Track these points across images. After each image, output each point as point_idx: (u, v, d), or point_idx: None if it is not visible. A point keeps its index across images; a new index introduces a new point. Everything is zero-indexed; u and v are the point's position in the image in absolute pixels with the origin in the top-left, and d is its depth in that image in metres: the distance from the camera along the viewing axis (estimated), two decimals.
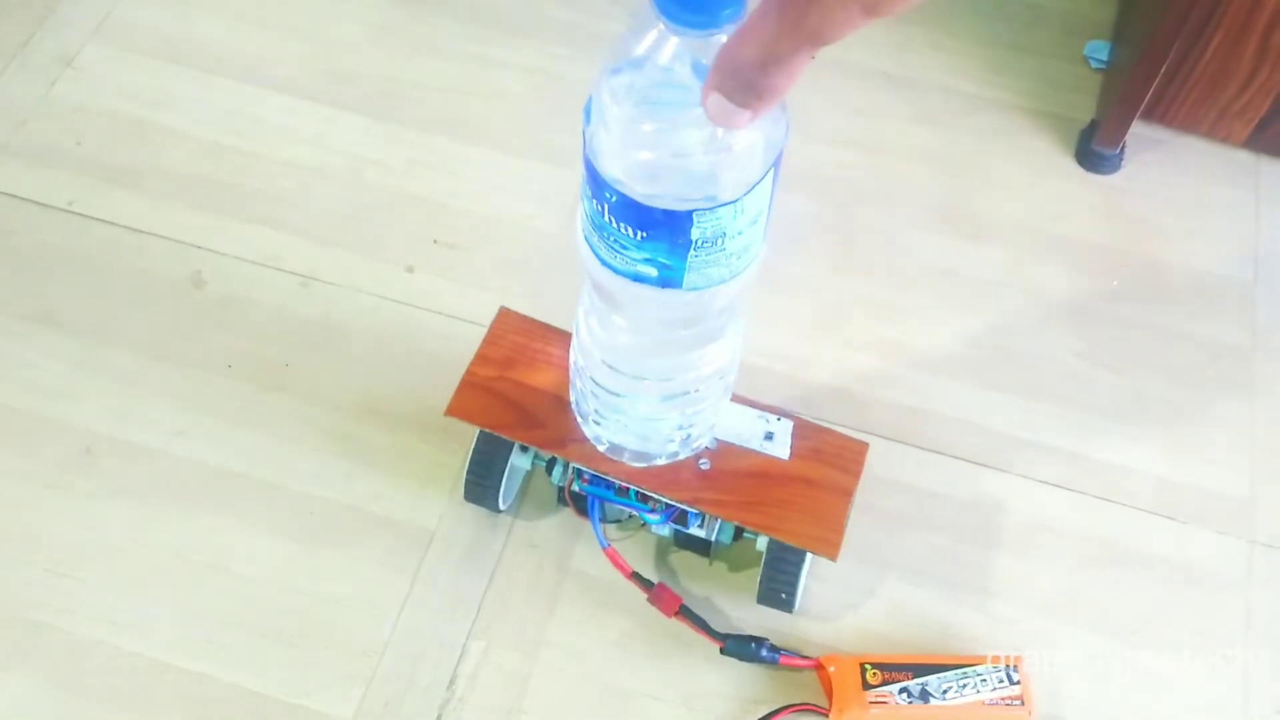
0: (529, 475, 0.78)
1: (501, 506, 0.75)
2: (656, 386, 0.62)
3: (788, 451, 0.69)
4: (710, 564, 0.75)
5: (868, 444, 0.71)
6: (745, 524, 0.68)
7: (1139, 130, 0.94)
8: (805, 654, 0.71)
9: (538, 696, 0.70)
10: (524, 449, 0.72)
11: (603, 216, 0.50)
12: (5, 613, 0.71)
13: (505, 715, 0.70)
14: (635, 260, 0.51)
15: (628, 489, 0.69)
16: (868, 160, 0.95)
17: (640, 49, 0.46)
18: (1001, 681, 0.69)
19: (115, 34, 0.98)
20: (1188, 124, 0.96)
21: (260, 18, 1.00)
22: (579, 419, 0.69)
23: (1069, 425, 0.82)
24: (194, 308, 0.84)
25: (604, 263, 0.53)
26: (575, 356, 0.65)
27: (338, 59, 0.98)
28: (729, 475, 0.69)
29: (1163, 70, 0.88)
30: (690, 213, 0.48)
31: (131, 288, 0.84)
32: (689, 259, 0.51)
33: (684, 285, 0.52)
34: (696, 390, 0.63)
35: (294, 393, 0.81)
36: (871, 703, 0.68)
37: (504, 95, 0.97)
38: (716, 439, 0.69)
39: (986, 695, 0.69)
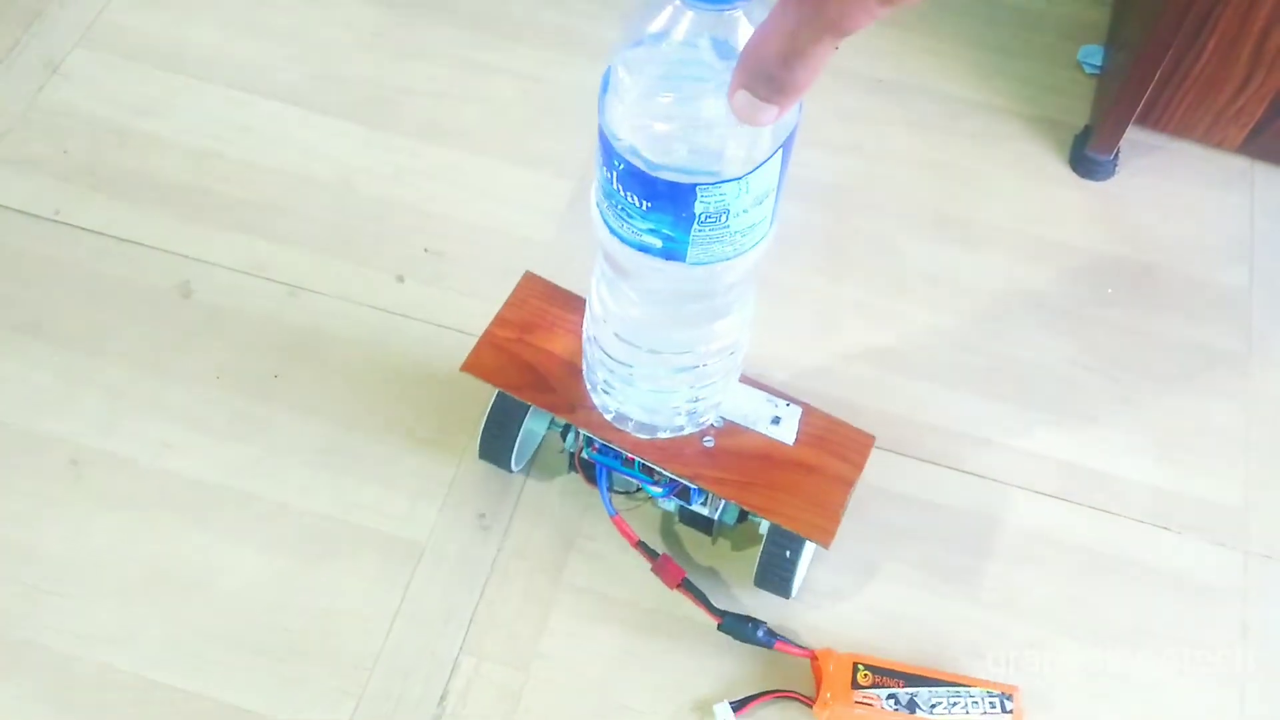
0: (532, 464, 0.77)
1: (514, 467, 0.76)
2: (664, 359, 0.63)
3: (793, 437, 0.70)
4: (714, 543, 0.75)
5: (874, 437, 0.71)
6: (742, 504, 0.68)
7: (1133, 135, 0.93)
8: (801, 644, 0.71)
9: (530, 711, 0.70)
10: (540, 414, 0.73)
11: (611, 184, 0.51)
12: None
13: None
14: (641, 230, 0.52)
15: (633, 460, 0.70)
16: (861, 166, 0.95)
17: (657, 23, 0.47)
18: (994, 707, 0.68)
19: (103, 39, 0.97)
20: (1182, 129, 0.95)
21: (249, 23, 0.99)
22: (589, 387, 0.69)
23: (1064, 434, 0.82)
24: (182, 318, 0.83)
25: (612, 230, 0.54)
26: (587, 325, 0.66)
27: (326, 64, 0.97)
28: (732, 454, 0.69)
29: (1157, 76, 0.88)
30: (694, 186, 0.49)
31: (119, 298, 0.84)
32: (692, 233, 0.51)
33: (687, 259, 0.53)
34: (705, 365, 0.64)
35: (283, 404, 0.80)
36: (857, 702, 0.68)
37: (494, 101, 0.96)
38: (723, 418, 0.70)
39: (975, 718, 0.68)
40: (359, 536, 0.75)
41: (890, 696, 0.68)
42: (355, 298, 0.85)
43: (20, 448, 0.77)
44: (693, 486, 0.69)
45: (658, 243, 0.52)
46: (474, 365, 0.71)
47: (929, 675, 0.70)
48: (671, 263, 0.53)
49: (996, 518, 0.78)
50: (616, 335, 0.62)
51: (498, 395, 0.73)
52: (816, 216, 0.91)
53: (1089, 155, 0.95)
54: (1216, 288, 0.90)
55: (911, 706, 0.68)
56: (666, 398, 0.66)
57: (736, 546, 0.76)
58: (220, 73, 0.96)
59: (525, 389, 0.70)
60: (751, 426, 0.70)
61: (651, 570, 0.71)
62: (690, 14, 0.46)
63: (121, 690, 0.69)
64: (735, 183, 0.49)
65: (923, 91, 1.00)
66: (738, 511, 0.72)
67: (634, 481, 0.72)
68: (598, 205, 0.54)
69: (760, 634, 0.70)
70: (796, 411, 0.71)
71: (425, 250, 0.87)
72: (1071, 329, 0.87)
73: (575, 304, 0.72)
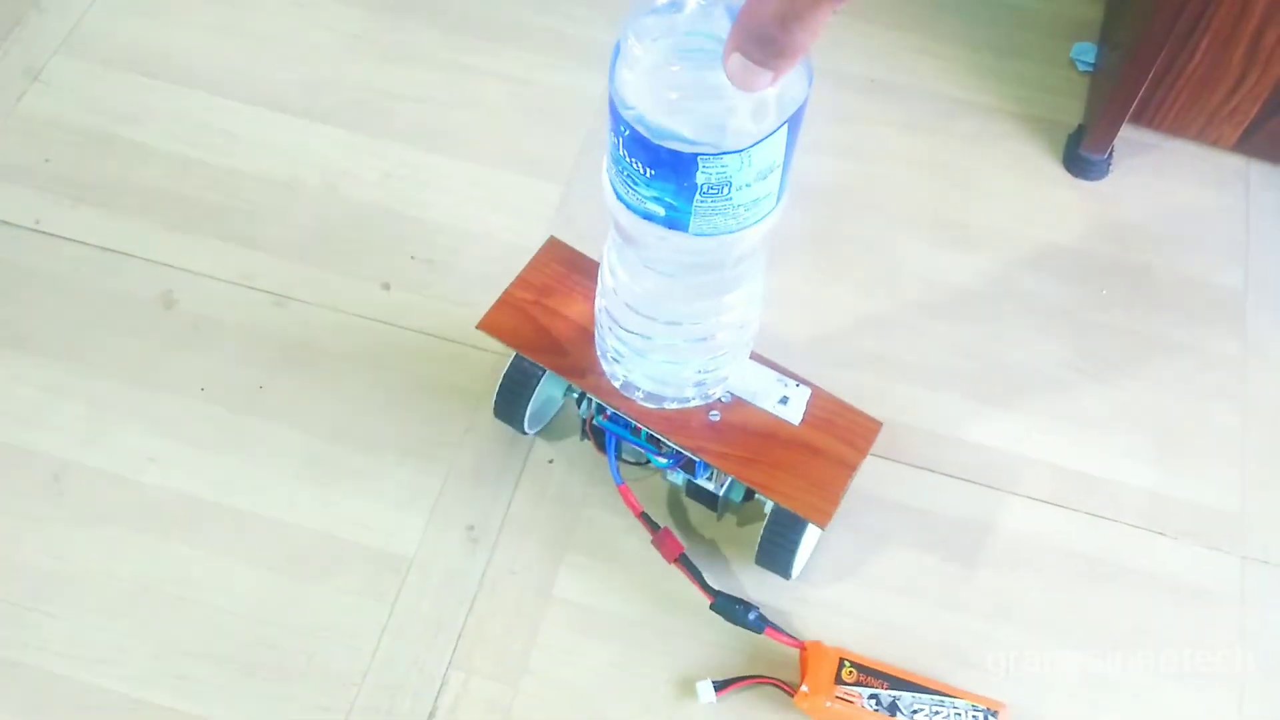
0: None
1: (528, 430, 0.76)
2: (672, 330, 0.63)
3: (800, 417, 0.69)
4: (719, 519, 0.75)
5: (881, 423, 0.70)
6: (743, 479, 0.68)
7: (1127, 134, 0.92)
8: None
9: None
10: (557, 379, 0.73)
11: (618, 150, 0.52)
12: None
13: None
14: (645, 198, 0.52)
15: (640, 430, 0.70)
16: (854, 168, 0.94)
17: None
18: None
19: (84, 46, 0.96)
20: (1176, 128, 0.94)
21: (231, 27, 0.98)
22: (599, 354, 0.69)
23: (1059, 439, 0.81)
24: (165, 329, 0.82)
25: (619, 196, 0.54)
26: (599, 294, 0.66)
27: (311, 69, 0.96)
28: (737, 430, 0.69)
29: (1150, 75, 0.87)
30: (695, 156, 0.49)
31: (101, 309, 0.83)
32: (695, 204, 0.51)
33: (690, 229, 0.53)
34: (714, 337, 0.64)
35: (268, 416, 0.79)
36: (837, 697, 0.68)
37: (481, 105, 0.95)
38: (732, 393, 0.70)
39: None
40: (346, 550, 0.74)
41: (872, 696, 0.68)
42: (341, 307, 0.84)
43: (3, 463, 0.76)
44: (697, 460, 0.69)
45: (661, 211, 0.52)
46: (490, 324, 0.71)
47: (915, 681, 0.69)
48: (674, 232, 0.53)
49: (991, 523, 0.78)
50: (627, 305, 0.63)
51: (515, 356, 0.73)
52: (810, 218, 0.90)
53: (1083, 155, 0.94)
54: (1212, 289, 0.89)
55: (892, 709, 0.68)
56: (676, 369, 0.66)
57: (741, 523, 0.76)
58: (203, 78, 0.95)
59: (538, 351, 0.71)
60: (759, 404, 0.70)
61: (651, 543, 0.71)
62: None
63: (107, 710, 0.68)
64: (737, 155, 0.49)
65: (917, 92, 0.99)
66: (744, 489, 0.72)
67: (644, 452, 0.72)
68: (607, 171, 0.55)
69: (751, 617, 0.70)
70: (805, 393, 0.70)
71: (412, 257, 0.86)
72: (1066, 331, 0.86)
73: (595, 271, 0.72)
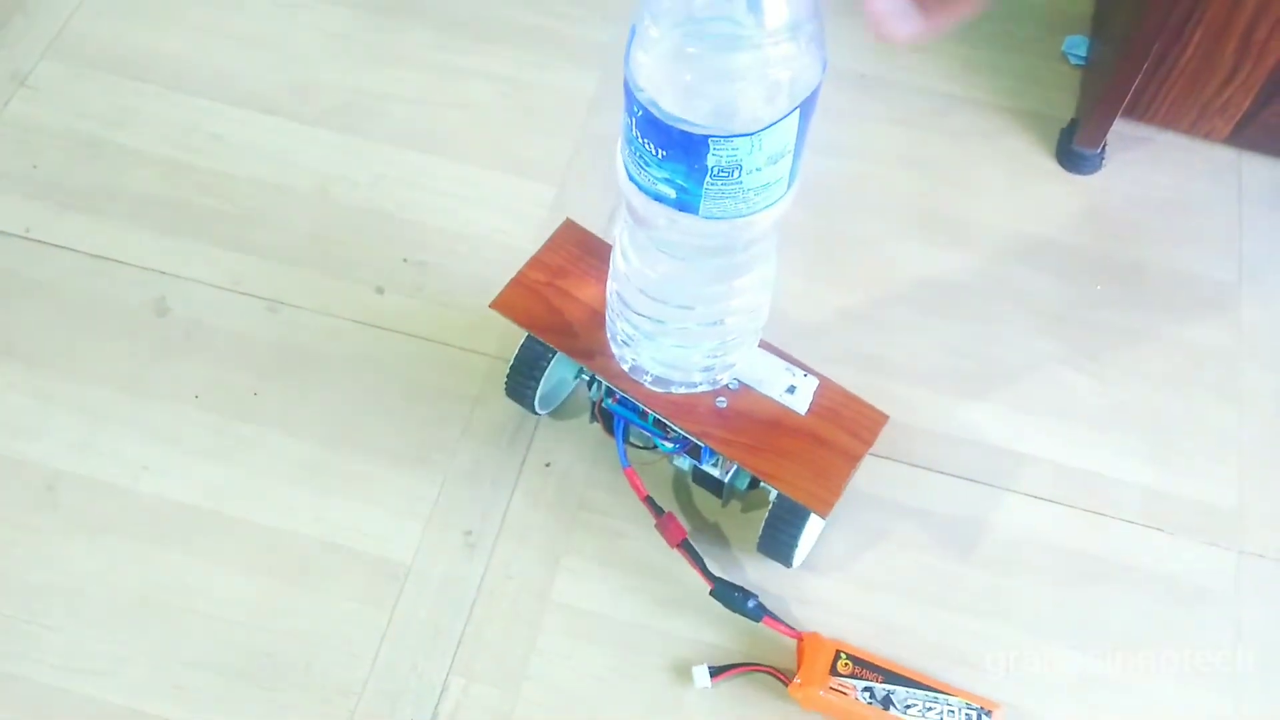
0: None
1: (539, 411, 0.77)
2: (684, 314, 0.63)
3: (806, 407, 0.70)
4: (723, 505, 0.76)
5: (887, 416, 0.70)
6: (746, 466, 0.68)
7: (1119, 128, 0.92)
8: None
9: None
10: (568, 361, 0.74)
11: (631, 130, 0.52)
12: None
13: None
14: (656, 179, 0.53)
15: (648, 414, 0.70)
16: (845, 166, 0.94)
17: None
18: (969, 719, 0.68)
19: (71, 49, 0.95)
20: (1169, 121, 0.94)
21: (218, 29, 0.97)
22: (609, 336, 0.70)
23: (1055, 436, 0.81)
24: (158, 336, 0.82)
25: (631, 177, 0.55)
26: (611, 277, 0.67)
27: (300, 71, 0.95)
28: (742, 417, 0.69)
29: (1143, 68, 0.87)
30: (706, 138, 0.49)
31: (93, 316, 0.82)
32: (705, 186, 0.52)
33: (700, 212, 0.53)
34: (723, 322, 0.64)
35: (263, 423, 0.78)
36: (831, 688, 0.68)
37: (472, 105, 0.94)
38: (739, 380, 0.70)
39: None
40: (344, 558, 0.74)
41: (866, 689, 0.68)
42: (335, 311, 0.83)
43: None
44: (703, 445, 0.69)
45: (672, 193, 0.53)
46: (503, 304, 0.72)
47: (910, 676, 0.70)
48: (685, 214, 0.54)
49: (989, 522, 0.78)
50: (639, 289, 0.63)
51: (526, 337, 0.74)
52: (800, 218, 0.89)
53: (1076, 149, 0.94)
54: (1206, 283, 0.89)
55: (886, 703, 0.68)
56: (685, 354, 0.67)
57: (746, 509, 0.76)
58: (191, 81, 0.94)
59: (549, 332, 0.71)
60: (766, 392, 0.70)
61: (655, 527, 0.72)
62: None
63: None
64: (748, 138, 0.50)
65: (907, 87, 0.98)
66: (749, 477, 0.72)
67: (651, 437, 0.73)
68: (621, 152, 0.55)
69: (750, 605, 0.71)
70: (813, 383, 0.71)
71: (405, 260, 0.86)
72: (1061, 329, 0.86)
73: (608, 254, 0.73)
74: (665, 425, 0.70)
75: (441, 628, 0.72)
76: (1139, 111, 0.93)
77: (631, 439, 0.75)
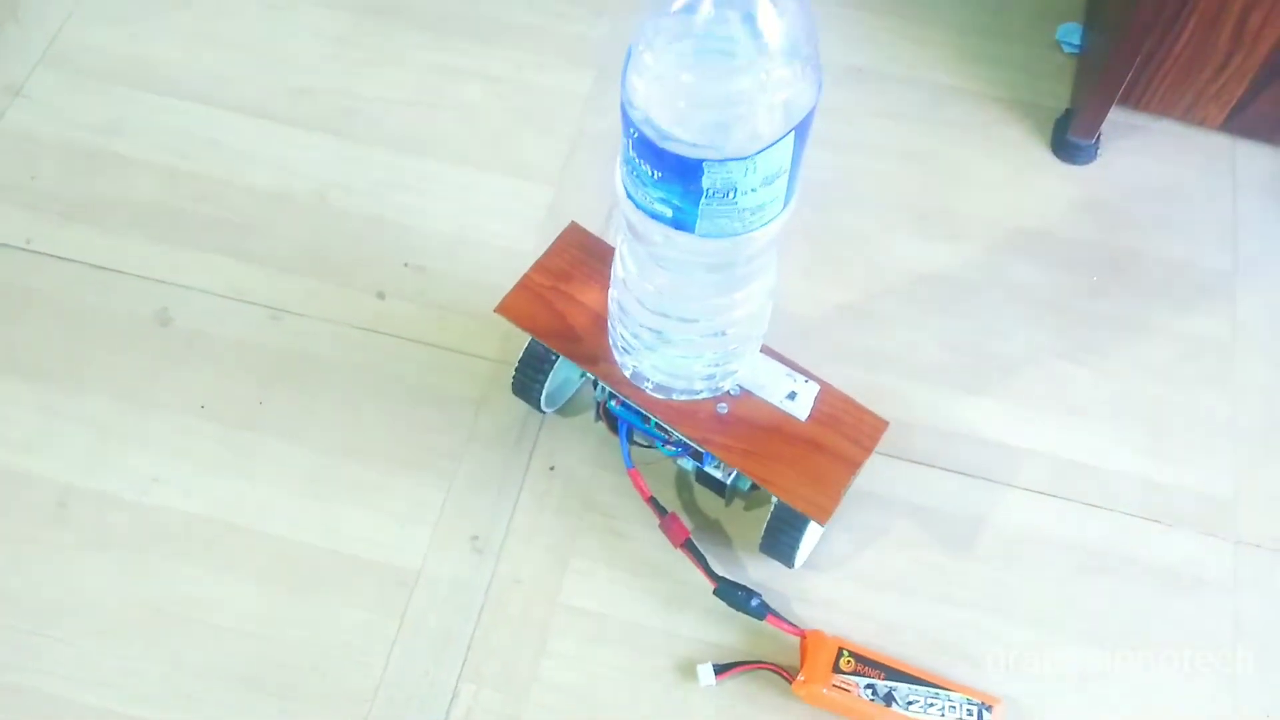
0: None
1: (544, 408, 0.78)
2: (683, 325, 0.64)
3: (807, 413, 0.70)
4: (726, 505, 0.77)
5: (887, 422, 0.71)
6: (745, 471, 0.69)
7: (1114, 116, 0.92)
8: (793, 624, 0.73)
9: None
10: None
11: (628, 150, 0.53)
12: None
13: None
14: (653, 198, 0.54)
15: (649, 417, 0.71)
16: (841, 160, 0.94)
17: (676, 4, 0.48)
18: (970, 714, 0.69)
19: (65, 58, 0.95)
20: (1163, 109, 0.95)
21: (210, 34, 0.97)
22: (611, 342, 0.71)
23: (1052, 429, 0.82)
24: (162, 347, 0.82)
25: (629, 194, 0.56)
26: (612, 283, 0.68)
27: (294, 75, 0.95)
28: (743, 423, 0.70)
29: (1138, 57, 0.87)
30: (700, 162, 0.50)
31: (97, 328, 0.83)
32: (701, 206, 0.53)
33: (696, 230, 0.54)
34: (724, 333, 0.65)
35: (268, 432, 0.79)
36: (834, 685, 0.69)
37: (467, 107, 0.95)
38: (740, 386, 0.71)
39: None
40: (352, 566, 0.75)
41: (869, 686, 0.70)
42: (337, 318, 0.84)
43: (6, 489, 0.76)
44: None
45: (668, 212, 0.54)
46: (507, 308, 0.72)
47: (912, 673, 0.71)
48: (681, 232, 0.54)
49: (988, 517, 0.79)
50: (638, 301, 0.64)
51: (532, 338, 0.74)
52: (797, 212, 0.90)
53: (1071, 140, 0.94)
54: (1201, 272, 0.89)
55: (888, 699, 0.69)
56: (686, 364, 0.67)
57: (749, 508, 0.77)
58: (185, 87, 0.94)
59: (552, 336, 0.72)
60: (767, 398, 0.71)
61: (659, 527, 0.72)
62: None
63: None
64: (742, 161, 0.50)
65: (901, 79, 0.98)
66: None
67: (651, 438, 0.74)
68: (619, 169, 0.56)
69: (753, 604, 0.72)
70: (814, 389, 0.71)
71: (405, 265, 0.86)
72: (1057, 321, 0.87)
73: (612, 257, 0.73)
74: (668, 429, 0.71)
75: (451, 633, 0.73)
76: (1133, 99, 0.94)
77: (636, 438, 0.76)
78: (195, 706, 0.70)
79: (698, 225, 0.54)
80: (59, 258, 0.85)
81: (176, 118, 0.93)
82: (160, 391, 0.80)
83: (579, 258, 0.74)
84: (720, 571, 0.73)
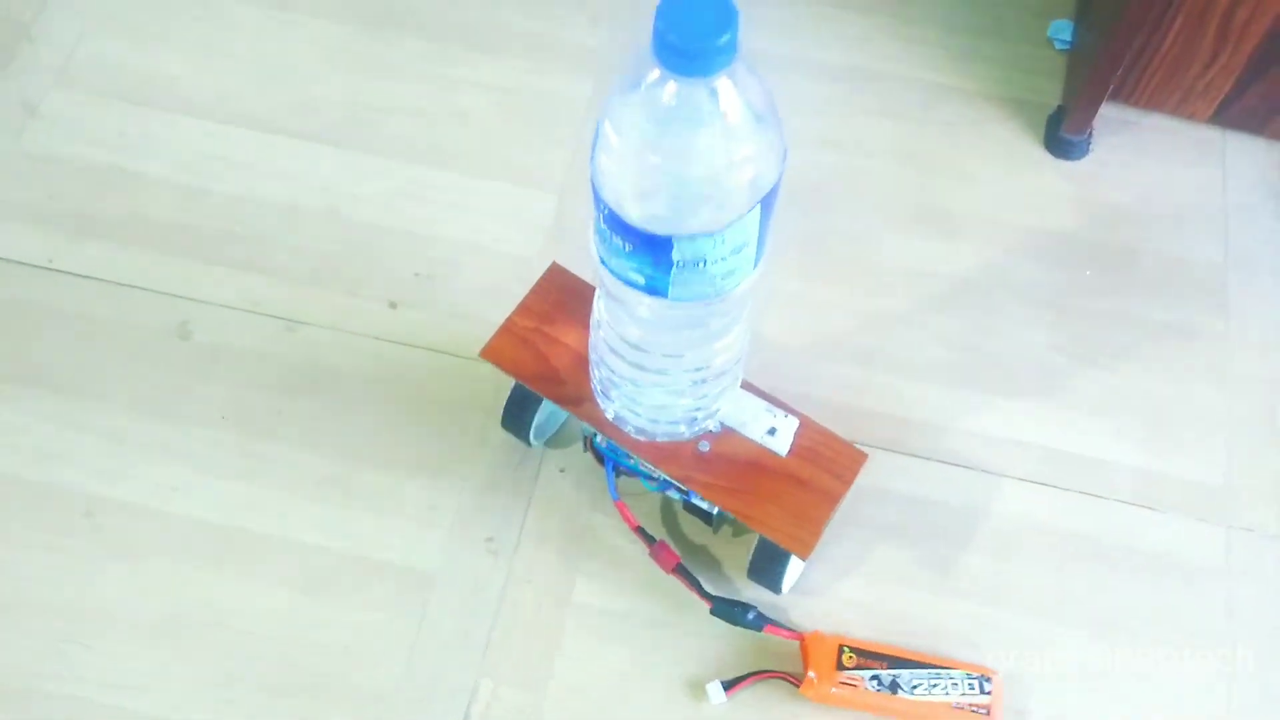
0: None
1: (533, 442, 0.79)
2: (659, 376, 0.65)
3: (787, 448, 0.72)
4: (715, 532, 0.78)
5: (867, 455, 0.73)
6: (728, 509, 0.71)
7: (1105, 111, 0.94)
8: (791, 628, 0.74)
9: None
10: None
11: (600, 223, 0.54)
12: (14, 685, 0.73)
13: None
14: (626, 266, 0.55)
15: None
16: (835, 160, 0.96)
17: (643, 82, 0.49)
18: (972, 689, 0.72)
19: (78, 77, 0.97)
20: (1154, 104, 0.96)
21: (218, 50, 0.99)
22: (593, 385, 0.72)
23: (1049, 422, 0.84)
24: (182, 360, 0.85)
25: (602, 260, 0.57)
26: (592, 328, 0.69)
27: (301, 88, 0.97)
28: (724, 460, 0.71)
29: (1127, 54, 0.89)
30: (669, 238, 0.51)
31: (119, 343, 0.85)
32: (672, 275, 0.54)
33: (669, 296, 0.55)
34: (703, 381, 0.66)
35: (287, 440, 0.82)
36: (841, 683, 0.71)
37: (471, 116, 0.97)
38: (722, 423, 0.72)
39: (955, 699, 0.72)
40: (370, 569, 0.77)
41: (873, 678, 0.72)
42: (350, 328, 0.86)
43: (33, 501, 0.79)
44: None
45: (641, 279, 0.55)
46: (491, 352, 0.74)
47: (911, 658, 0.73)
48: (655, 297, 0.56)
49: (985, 508, 0.81)
50: (613, 350, 0.65)
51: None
52: (792, 214, 0.92)
53: (1063, 136, 0.96)
54: (1193, 265, 0.91)
55: (894, 687, 0.72)
56: (666, 410, 0.68)
57: (737, 533, 0.79)
58: (196, 104, 0.96)
59: (536, 379, 0.73)
60: (747, 434, 0.72)
61: (649, 555, 0.74)
62: (674, 80, 0.47)
63: None
64: (710, 236, 0.51)
65: (894, 78, 1.00)
66: None
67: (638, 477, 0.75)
68: (593, 234, 0.57)
69: (750, 617, 0.73)
70: (794, 423, 0.73)
71: (415, 274, 0.89)
72: (1052, 316, 0.89)
73: (594, 296, 0.74)
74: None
75: (468, 633, 0.75)
76: (1124, 95, 0.95)
77: (621, 469, 0.77)
78: (225, 709, 0.73)
79: (670, 291, 0.55)
80: (80, 275, 0.88)
81: (188, 134, 0.95)
82: (181, 403, 0.83)
83: (561, 299, 0.76)
84: (713, 589, 0.74)
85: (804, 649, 0.73)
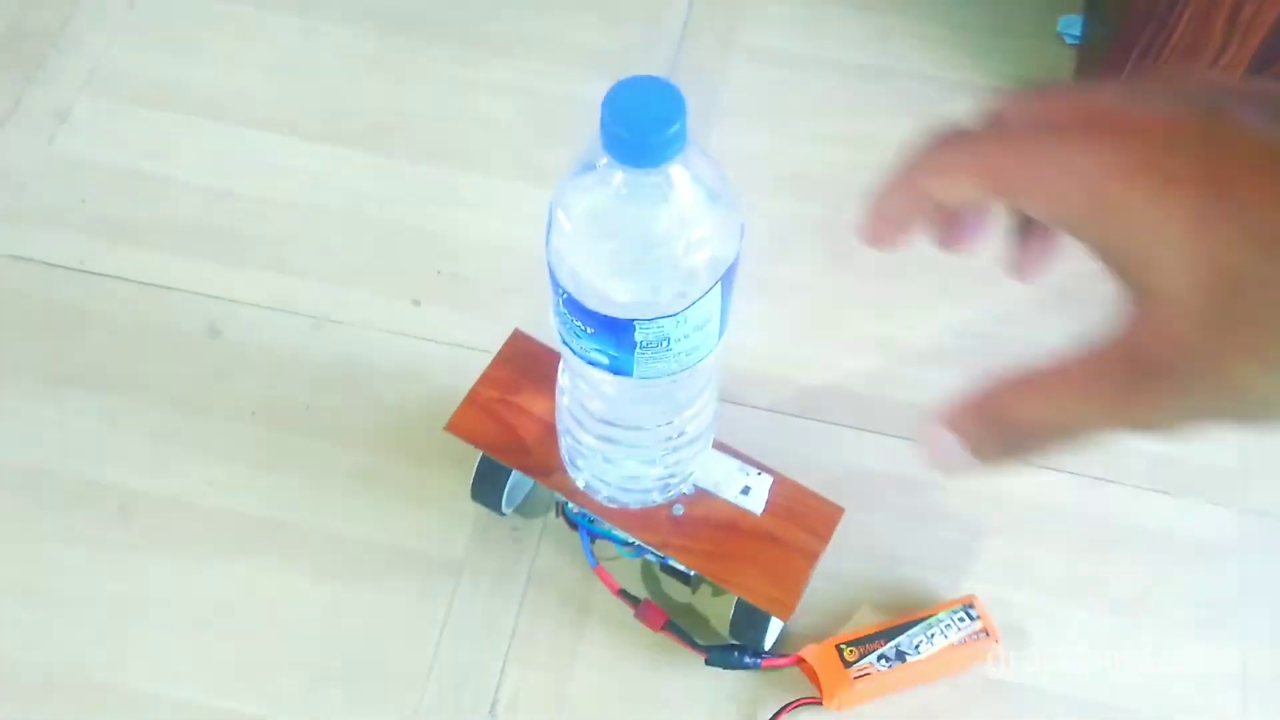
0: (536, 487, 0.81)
1: (505, 510, 0.78)
2: (629, 449, 0.66)
3: (762, 507, 0.71)
4: (693, 592, 0.78)
5: (843, 510, 0.73)
6: (705, 573, 0.70)
7: None
8: (785, 651, 0.74)
9: (577, 713, 0.74)
10: None
11: (560, 306, 0.54)
12: (64, 677, 0.75)
13: None
14: (589, 347, 0.54)
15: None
16: (853, 157, 0.97)
17: (593, 168, 0.49)
18: (962, 621, 0.73)
19: (106, 84, 1.00)
20: None
21: (244, 58, 1.02)
22: (562, 455, 0.72)
23: None
24: (213, 358, 0.87)
25: (564, 341, 0.57)
26: (558, 396, 0.69)
27: (325, 94, 1.00)
28: (699, 523, 0.71)
29: (1136, 49, 0.90)
30: (631, 321, 0.51)
31: (150, 343, 0.87)
32: (636, 355, 0.53)
33: (634, 374, 0.55)
34: (674, 450, 0.66)
35: (316, 435, 0.84)
36: (856, 678, 0.72)
37: (491, 118, 0.99)
38: (695, 485, 0.72)
39: (954, 638, 0.73)
40: (400, 558, 0.79)
41: (880, 657, 0.72)
42: (376, 325, 0.88)
43: (72, 497, 0.81)
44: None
45: (605, 360, 0.54)
46: (457, 425, 0.74)
47: (899, 622, 0.74)
48: (620, 376, 0.55)
49: (1000, 495, 0.82)
50: (579, 423, 0.65)
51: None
52: (809, 211, 0.94)
53: None
54: None
55: (901, 656, 0.72)
56: (638, 481, 0.69)
57: (717, 592, 0.78)
58: (223, 110, 0.98)
59: (503, 451, 0.73)
60: (721, 495, 0.72)
61: (634, 616, 0.74)
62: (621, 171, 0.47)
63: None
64: (672, 318, 0.51)
65: (906, 75, 1.02)
66: None
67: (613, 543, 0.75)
68: (553, 316, 0.57)
69: (746, 659, 0.73)
70: (767, 481, 0.72)
71: (439, 273, 0.91)
72: (1068, 304, 0.90)
73: (558, 363, 0.74)
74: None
75: (496, 618, 0.77)
76: None
77: (596, 535, 0.76)
78: (268, 695, 0.75)
79: (635, 370, 0.54)
80: (112, 276, 0.90)
81: (215, 139, 0.97)
82: (213, 400, 0.85)
83: (525, 365, 0.75)
84: (704, 642, 0.74)
85: (805, 667, 0.74)
